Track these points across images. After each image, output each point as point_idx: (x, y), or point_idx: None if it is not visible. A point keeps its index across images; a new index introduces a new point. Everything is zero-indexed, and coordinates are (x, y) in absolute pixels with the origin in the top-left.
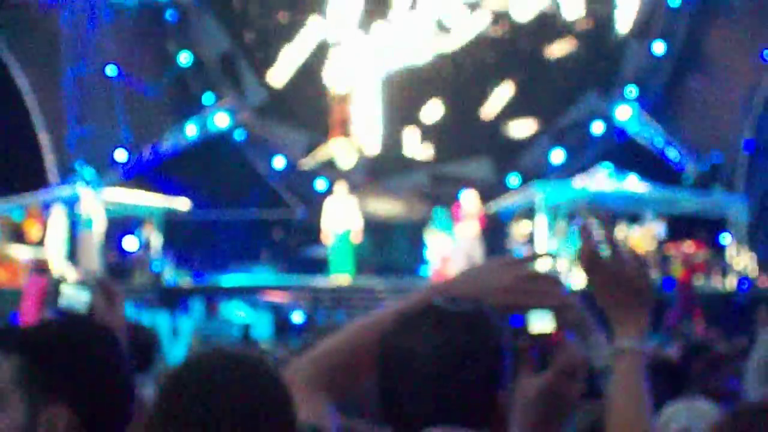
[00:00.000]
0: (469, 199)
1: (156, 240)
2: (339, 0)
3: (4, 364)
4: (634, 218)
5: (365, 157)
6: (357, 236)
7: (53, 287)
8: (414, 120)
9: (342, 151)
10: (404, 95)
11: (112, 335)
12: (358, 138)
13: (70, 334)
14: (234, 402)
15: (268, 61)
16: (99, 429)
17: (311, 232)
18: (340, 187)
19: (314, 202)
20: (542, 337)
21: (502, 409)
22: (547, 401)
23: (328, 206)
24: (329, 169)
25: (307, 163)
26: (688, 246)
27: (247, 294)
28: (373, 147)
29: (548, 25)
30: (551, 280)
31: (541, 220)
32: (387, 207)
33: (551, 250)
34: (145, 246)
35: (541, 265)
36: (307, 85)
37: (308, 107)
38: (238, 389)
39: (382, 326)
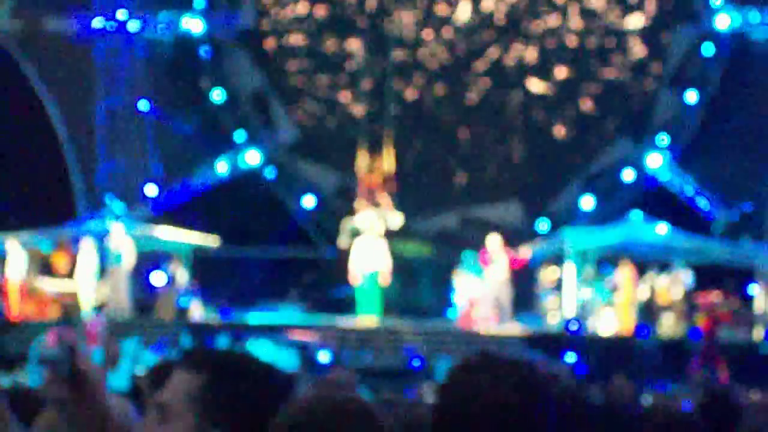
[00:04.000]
0: (494, 243)
1: (182, 276)
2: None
3: (186, 378)
4: (662, 266)
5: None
6: (385, 278)
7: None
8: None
9: (369, 223)
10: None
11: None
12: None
13: (258, 371)
14: None
15: (301, 99)
16: None
17: (339, 272)
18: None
19: None
20: None
21: None
22: None
23: (357, 247)
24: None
25: (342, 242)
26: (715, 296)
27: (274, 332)
28: (399, 219)
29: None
30: None
31: (570, 266)
32: (415, 249)
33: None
34: (171, 281)
35: None
36: (339, 124)
37: (340, 147)
38: None
39: None
